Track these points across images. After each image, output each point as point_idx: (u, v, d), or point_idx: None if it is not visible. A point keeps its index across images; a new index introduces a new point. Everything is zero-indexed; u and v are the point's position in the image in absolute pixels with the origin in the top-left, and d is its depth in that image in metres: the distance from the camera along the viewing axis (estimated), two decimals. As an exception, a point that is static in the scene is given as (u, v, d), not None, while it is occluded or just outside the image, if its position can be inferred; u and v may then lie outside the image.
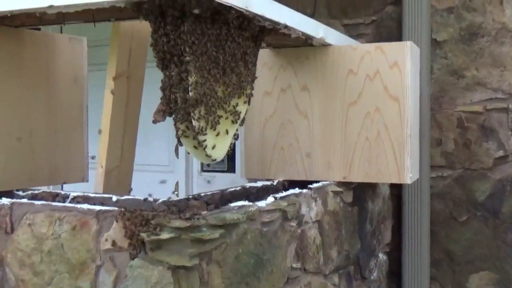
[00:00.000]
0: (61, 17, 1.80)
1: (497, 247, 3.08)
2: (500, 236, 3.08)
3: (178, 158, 4.22)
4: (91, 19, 1.85)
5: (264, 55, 2.41)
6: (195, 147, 1.67)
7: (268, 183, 2.36)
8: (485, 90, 3.09)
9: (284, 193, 1.98)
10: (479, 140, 3.10)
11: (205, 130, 1.64)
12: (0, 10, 1.77)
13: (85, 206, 1.68)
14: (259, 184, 2.31)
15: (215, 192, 2.07)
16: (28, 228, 1.72)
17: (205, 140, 1.65)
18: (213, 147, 1.69)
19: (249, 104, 1.83)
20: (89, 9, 1.65)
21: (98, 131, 2.55)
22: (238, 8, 1.60)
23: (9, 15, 1.81)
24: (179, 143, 1.67)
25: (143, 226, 1.50)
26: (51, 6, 1.67)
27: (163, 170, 4.29)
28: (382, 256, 2.85)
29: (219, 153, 1.73)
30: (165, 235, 1.47)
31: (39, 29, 2.28)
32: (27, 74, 2.12)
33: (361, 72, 2.31)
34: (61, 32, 2.96)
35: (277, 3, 1.85)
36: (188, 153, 1.76)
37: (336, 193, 2.27)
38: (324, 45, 2.33)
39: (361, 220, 2.52)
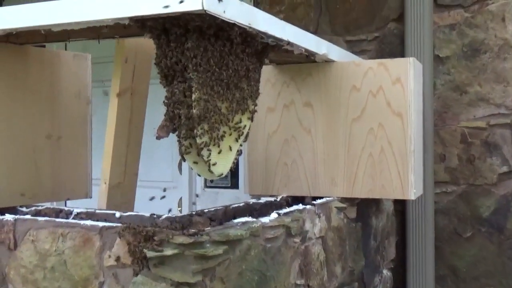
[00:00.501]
0: (66, 34, 1.81)
1: (502, 263, 3.06)
2: (505, 252, 3.06)
3: (181, 174, 4.24)
4: (95, 36, 1.86)
5: (267, 72, 2.42)
6: (197, 163, 1.67)
7: (272, 199, 2.35)
8: (488, 105, 3.09)
9: (287, 209, 1.97)
10: (483, 155, 3.09)
11: (209, 146, 1.64)
12: (6, 28, 1.78)
13: (89, 222, 1.68)
14: (262, 200, 2.30)
15: (218, 208, 2.07)
16: (31, 245, 1.72)
17: (208, 156, 1.65)
18: (217, 163, 1.69)
19: (252, 121, 1.83)
20: (94, 26, 1.66)
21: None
22: (241, 25, 1.61)
23: (14, 32, 1.83)
24: (183, 159, 1.67)
25: (146, 242, 1.50)
26: (56, 24, 1.68)
27: (167, 186, 4.29)
28: (386, 273, 2.83)
29: (223, 169, 1.73)
30: (168, 251, 1.46)
31: (44, 46, 2.29)
32: (32, 90, 2.13)
33: (364, 88, 2.31)
34: (66, 49, 2.98)
35: (280, 20, 1.86)
36: (192, 169, 1.76)
37: (339, 209, 2.26)
38: (327, 62, 2.34)
39: (365, 236, 2.51)
